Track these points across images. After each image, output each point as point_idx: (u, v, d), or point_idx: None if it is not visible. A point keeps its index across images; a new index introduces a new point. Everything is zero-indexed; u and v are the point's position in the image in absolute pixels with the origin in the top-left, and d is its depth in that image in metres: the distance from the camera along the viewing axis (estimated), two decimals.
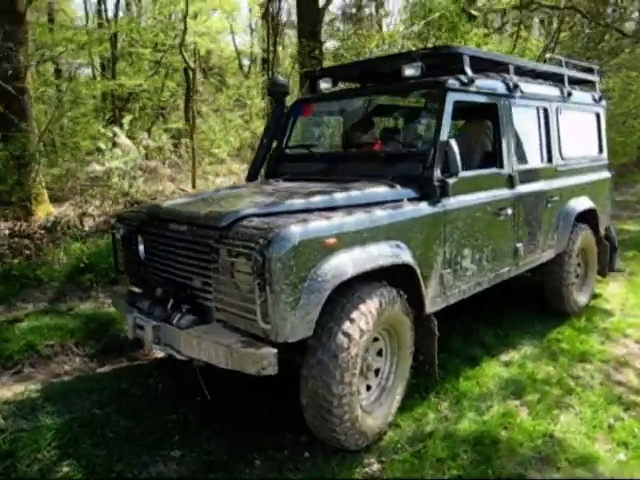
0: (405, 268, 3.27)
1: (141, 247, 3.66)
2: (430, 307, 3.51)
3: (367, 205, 3.25)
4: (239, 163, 11.24)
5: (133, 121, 9.87)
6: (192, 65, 8.65)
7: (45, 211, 7.31)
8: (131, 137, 8.49)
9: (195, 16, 9.64)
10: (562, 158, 4.75)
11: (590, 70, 5.57)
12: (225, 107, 11.59)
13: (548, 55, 5.42)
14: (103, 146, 7.85)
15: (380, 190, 3.43)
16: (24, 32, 7.12)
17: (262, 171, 4.56)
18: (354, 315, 2.92)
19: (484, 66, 4.26)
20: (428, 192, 3.50)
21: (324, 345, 2.86)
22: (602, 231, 5.43)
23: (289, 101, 4.58)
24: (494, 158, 4.14)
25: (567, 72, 4.94)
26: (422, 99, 3.99)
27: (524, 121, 4.36)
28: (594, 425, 3.41)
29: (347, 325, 2.89)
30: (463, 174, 3.62)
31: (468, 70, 3.76)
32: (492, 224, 3.95)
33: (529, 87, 4.42)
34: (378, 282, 3.14)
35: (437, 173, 3.50)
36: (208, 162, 10.58)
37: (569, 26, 12.10)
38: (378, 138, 4.26)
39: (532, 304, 5.23)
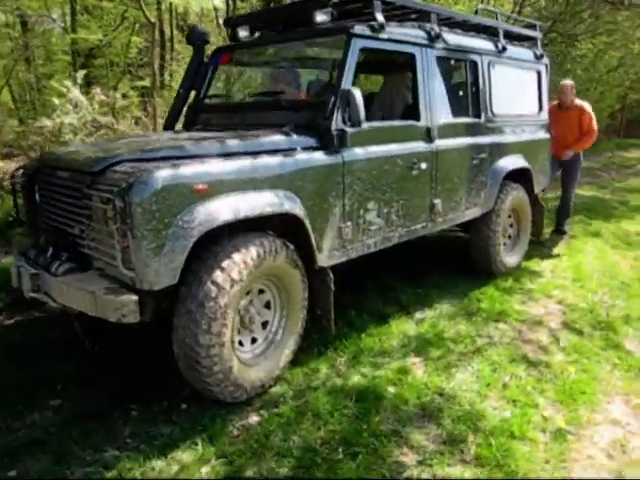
0: (292, 218, 3.19)
1: (37, 195, 3.58)
2: (326, 260, 3.44)
3: (255, 153, 3.14)
4: None
5: (98, 77, 9.70)
6: (152, 20, 8.47)
7: None
8: (86, 93, 8.33)
9: None
10: (492, 114, 4.61)
11: (532, 26, 5.39)
12: None
13: (480, 6, 5.21)
14: (56, 101, 7.70)
15: (272, 138, 3.31)
16: None
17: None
18: (225, 264, 2.84)
19: (412, 15, 4.13)
20: (326, 142, 3.39)
21: (193, 294, 2.80)
22: (538, 192, 5.33)
23: None
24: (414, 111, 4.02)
25: (501, 25, 4.76)
26: (330, 47, 3.85)
27: (448, 73, 4.24)
28: (488, 383, 3.36)
29: (217, 274, 2.82)
30: (368, 125, 3.52)
31: (379, 16, 3.60)
32: (403, 178, 3.85)
33: (455, 38, 4.26)
34: (260, 232, 3.07)
35: (336, 123, 3.38)
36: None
37: None
38: (294, 87, 4.13)
39: (460, 264, 5.17)
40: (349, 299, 4.28)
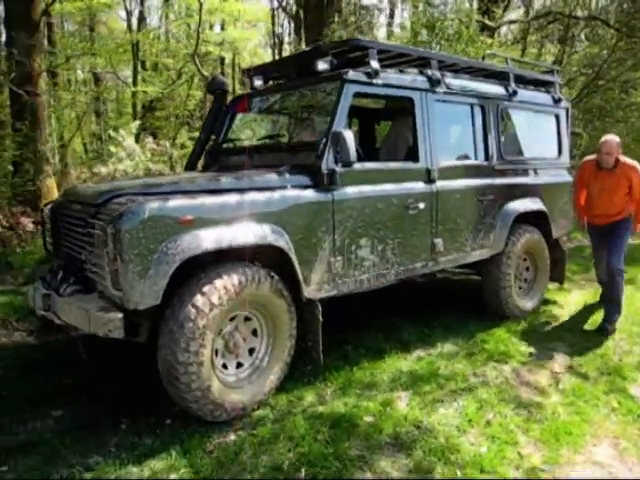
0: (277, 251, 3.49)
1: (59, 226, 4.09)
2: (314, 293, 3.70)
3: (245, 190, 3.50)
4: None
5: (158, 128, 10.57)
6: (205, 74, 9.22)
7: None
8: (147, 142, 9.13)
9: (222, 27, 10.27)
10: (501, 157, 4.79)
11: (550, 71, 5.55)
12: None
13: (488, 51, 5.44)
14: (113, 149, 8.53)
15: (264, 177, 3.66)
16: (38, 39, 7.91)
17: None
18: (206, 289, 3.17)
19: (414, 62, 4.45)
20: (318, 181, 3.71)
21: (175, 315, 3.14)
22: (558, 236, 5.37)
23: None
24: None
25: (512, 70, 4.98)
26: (327, 92, 4.20)
27: (452, 117, 4.48)
28: (470, 419, 3.45)
29: (197, 297, 3.14)
30: (360, 165, 3.83)
31: (374, 63, 3.95)
32: (399, 217, 4.08)
33: (459, 83, 4.53)
34: (241, 262, 3.38)
35: (327, 163, 3.70)
36: None
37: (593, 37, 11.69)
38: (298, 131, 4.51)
39: (473, 306, 5.26)
40: (349, 335, 4.48)
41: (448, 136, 4.42)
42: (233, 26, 11.74)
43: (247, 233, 3.33)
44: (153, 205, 3.08)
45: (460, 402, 3.66)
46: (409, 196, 4.13)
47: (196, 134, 11.85)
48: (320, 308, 3.71)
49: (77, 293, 3.47)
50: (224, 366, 3.43)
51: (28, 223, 6.83)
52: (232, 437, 3.28)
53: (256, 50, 12.81)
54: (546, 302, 5.64)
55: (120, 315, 3.04)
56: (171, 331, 3.13)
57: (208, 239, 3.18)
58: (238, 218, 3.34)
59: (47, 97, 8.30)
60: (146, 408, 3.51)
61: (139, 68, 11.34)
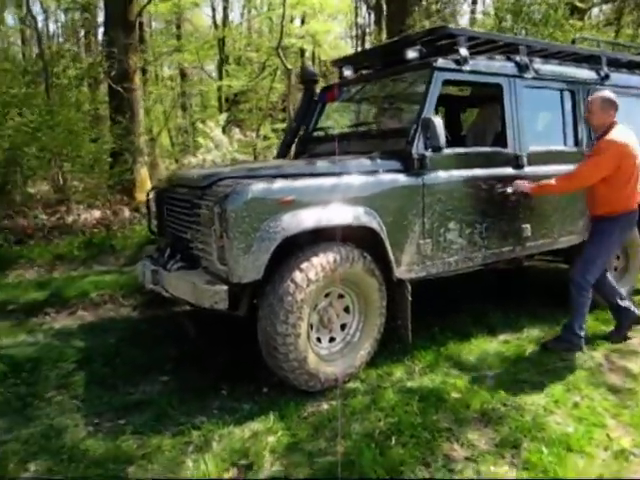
0: (370, 232, 3.70)
1: (164, 209, 4.47)
2: (404, 273, 3.88)
3: (340, 174, 3.74)
4: None
5: (242, 120, 11.01)
6: (289, 66, 9.54)
7: (145, 197, 8.55)
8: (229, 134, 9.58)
9: (302, 20, 10.59)
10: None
11: None
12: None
13: (577, 35, 5.39)
14: (201, 140, 9.01)
15: (359, 162, 3.88)
16: (133, 39, 8.47)
17: None
18: (304, 265, 3.43)
19: (501, 49, 4.54)
20: (408, 166, 3.89)
21: (274, 290, 3.41)
22: None
23: None
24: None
25: (604, 53, 4.94)
26: (416, 80, 4.36)
27: (541, 102, 4.53)
28: (557, 400, 3.54)
29: (296, 274, 3.41)
30: (450, 150, 3.97)
31: (462, 50, 4.08)
32: (488, 201, 4.20)
33: (548, 68, 4.57)
34: (336, 241, 3.61)
35: (417, 148, 3.88)
36: None
37: None
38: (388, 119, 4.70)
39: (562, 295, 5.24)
40: (436, 317, 4.64)
41: (537, 122, 4.48)
42: (314, 18, 12.02)
43: (343, 214, 3.56)
44: (256, 187, 3.37)
45: (547, 384, 3.74)
46: (498, 180, 4.23)
47: (279, 125, 12.29)
48: (410, 288, 3.90)
49: (183, 269, 3.81)
50: (318, 340, 3.68)
51: (126, 210, 7.37)
52: (325, 406, 3.52)
53: (336, 42, 13.06)
54: (638, 291, 5.58)
55: (225, 287, 3.34)
56: (271, 304, 3.41)
57: (308, 219, 3.44)
58: (334, 200, 3.57)
59: (141, 92, 8.85)
60: (245, 378, 3.81)
61: (223, 62, 11.90)
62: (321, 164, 3.82)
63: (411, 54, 4.19)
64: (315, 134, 5.06)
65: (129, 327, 4.59)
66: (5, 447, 3.03)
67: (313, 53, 12.60)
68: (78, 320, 4.84)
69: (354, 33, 14.16)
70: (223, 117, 9.05)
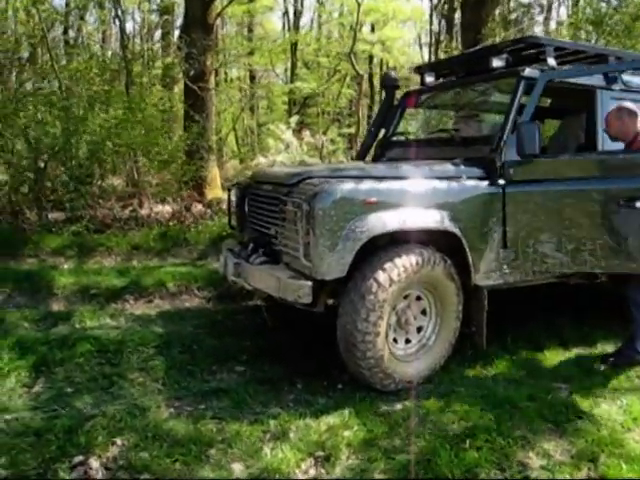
0: (453, 237, 3.76)
1: (246, 206, 4.63)
2: (482, 280, 3.92)
3: (422, 178, 3.81)
4: None
5: (310, 124, 11.21)
6: (360, 72, 9.66)
7: (215, 195, 8.83)
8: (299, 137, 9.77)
9: (372, 26, 10.73)
10: None
11: None
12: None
13: None
14: (271, 142, 9.22)
15: (441, 167, 3.95)
16: (211, 40, 8.75)
17: None
18: (387, 265, 3.51)
19: (589, 59, 4.52)
20: (491, 173, 3.93)
21: (357, 287, 3.51)
22: None
23: None
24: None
25: None
26: (502, 88, 4.39)
27: None
28: (635, 417, 3.49)
29: (379, 273, 3.49)
30: (535, 160, 3.97)
31: (550, 61, 4.10)
32: (577, 214, 4.03)
33: (637, 80, 4.52)
34: (418, 245, 3.69)
35: (501, 155, 3.91)
36: None
37: None
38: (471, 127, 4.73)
39: None
40: (510, 327, 4.64)
41: None
42: (384, 25, 12.15)
43: (426, 218, 3.64)
44: (344, 187, 3.48)
45: (624, 400, 3.69)
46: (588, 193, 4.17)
47: (345, 130, 12.47)
48: (486, 295, 3.93)
49: (266, 263, 3.95)
50: (395, 340, 3.75)
51: (199, 206, 7.64)
52: (399, 406, 3.58)
53: (404, 49, 13.16)
54: None
55: (310, 283, 3.46)
56: (352, 301, 3.50)
57: (392, 220, 3.52)
58: (417, 203, 3.65)
59: (214, 93, 9.16)
60: (319, 373, 3.92)
61: (295, 66, 12.18)
62: (405, 167, 3.91)
63: (497, 62, 4.24)
64: (394, 138, 5.15)
65: (205, 317, 4.78)
66: (94, 421, 3.21)
67: (381, 59, 12.71)
68: (155, 308, 5.07)
69: (424, 40, 14.35)
70: (294, 120, 9.26)
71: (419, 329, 3.85)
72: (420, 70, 5.10)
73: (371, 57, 12.23)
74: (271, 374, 3.92)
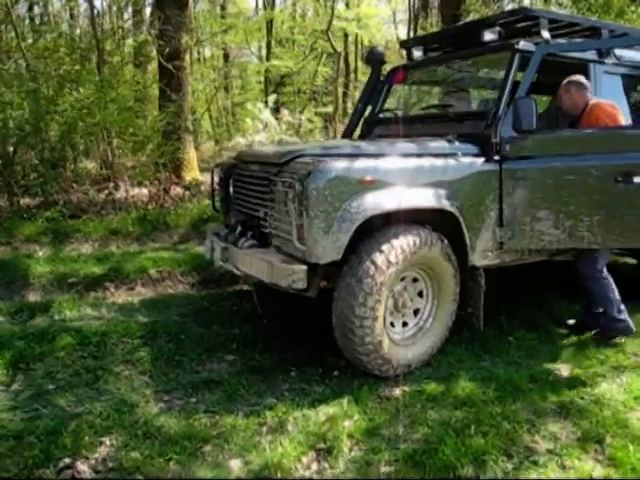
0: (449, 216, 3.58)
1: (230, 187, 4.38)
2: (479, 260, 3.75)
3: (417, 155, 3.61)
4: None
5: (286, 103, 10.91)
6: (338, 49, 9.38)
7: (192, 177, 8.51)
8: (276, 116, 9.48)
9: (347, 4, 10.43)
10: None
11: None
12: None
13: None
14: (249, 121, 8.93)
15: (435, 144, 3.75)
16: (186, 17, 8.36)
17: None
18: (384, 247, 3.31)
19: (582, 32, 4.34)
20: (486, 149, 3.74)
21: (353, 270, 3.31)
22: None
23: None
24: None
25: None
26: (496, 62, 4.20)
27: (620, 90, 4.32)
28: (636, 396, 3.38)
29: (376, 255, 3.29)
30: (539, 134, 3.79)
31: (545, 33, 3.91)
32: (575, 190, 3.86)
33: (629, 54, 4.35)
34: (415, 224, 3.50)
35: (497, 131, 3.73)
36: None
37: None
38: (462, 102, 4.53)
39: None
40: (503, 307, 4.50)
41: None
42: (358, 2, 11.87)
43: (423, 196, 3.45)
44: (339, 165, 3.26)
45: (624, 379, 3.58)
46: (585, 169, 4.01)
47: (321, 109, 12.18)
48: (483, 276, 3.77)
49: (254, 247, 3.73)
50: (391, 324, 3.57)
51: (177, 188, 7.33)
52: (398, 392, 3.41)
53: (380, 26, 12.88)
54: None
55: (304, 267, 3.25)
56: (348, 285, 3.30)
57: (389, 200, 3.33)
58: (414, 182, 3.45)
59: (190, 72, 8.79)
60: (313, 360, 3.73)
61: (271, 44, 11.81)
62: (400, 145, 3.69)
63: (489, 36, 4.04)
64: (381, 115, 4.93)
65: (191, 304, 4.53)
66: (79, 420, 2.98)
67: (356, 37, 12.40)
68: (138, 296, 4.79)
69: (400, 18, 14.09)
70: (272, 99, 8.97)
71: (416, 312, 3.68)
72: (407, 45, 4.87)
73: (346, 35, 11.92)
74: (263, 362, 3.72)
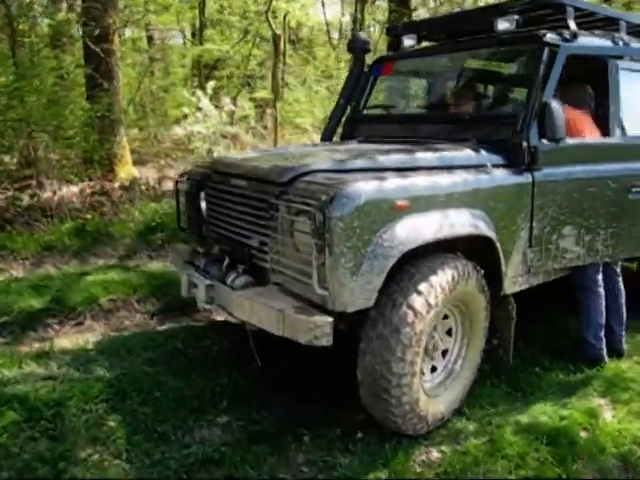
0: (484, 241, 2.88)
1: (203, 203, 3.46)
2: (509, 287, 3.11)
3: (446, 168, 2.87)
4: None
5: (220, 88, 9.83)
6: (278, 32, 8.45)
7: (127, 172, 7.35)
8: (215, 104, 8.44)
9: None
10: None
11: None
12: (312, 78, 11.46)
13: None
14: (187, 110, 7.84)
15: (462, 153, 3.03)
16: None
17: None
18: (422, 287, 2.58)
19: (591, 23, 3.73)
20: (515, 159, 3.06)
21: (386, 318, 2.55)
22: None
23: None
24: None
25: None
26: (516, 56, 3.51)
27: (634, 87, 3.77)
28: None
29: (414, 297, 2.55)
30: (571, 141, 3.18)
31: (572, 24, 3.25)
32: (610, 202, 3.42)
33: None
34: (452, 253, 2.78)
35: (529, 138, 3.05)
36: (291, 132, 10.44)
37: None
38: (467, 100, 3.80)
39: None
40: (517, 332, 3.88)
41: (630, 109, 3.71)
42: None
43: (461, 221, 2.73)
44: (368, 187, 2.47)
45: None
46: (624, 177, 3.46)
47: (256, 95, 11.17)
48: (514, 304, 3.13)
49: (250, 285, 2.87)
50: (421, 372, 2.86)
51: (115, 186, 6.20)
52: (436, 454, 2.73)
53: (307, 9, 11.92)
54: None
55: (330, 319, 2.44)
56: (381, 336, 2.55)
57: (427, 229, 2.59)
58: (449, 203, 2.72)
59: (120, 55, 7.53)
60: (325, 417, 2.95)
61: (203, 26, 10.52)
62: (422, 155, 2.92)
63: (502, 25, 3.33)
64: (366, 113, 4.13)
65: (159, 346, 3.52)
66: None
67: (284, 18, 11.38)
68: (88, 333, 3.76)
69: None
70: (211, 85, 7.93)
71: (444, 353, 2.98)
72: (396, 31, 4.06)
73: (275, 17, 10.90)
74: (265, 425, 2.88)
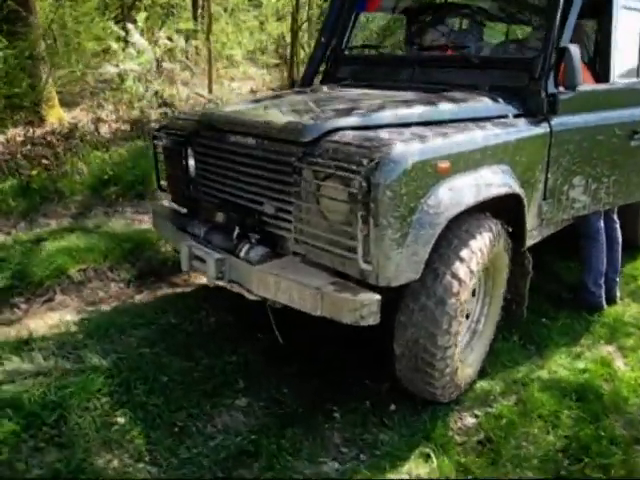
0: (512, 198, 2.67)
1: (191, 162, 3.00)
2: (527, 241, 2.95)
3: (472, 120, 2.59)
4: (255, 67, 10.35)
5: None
6: None
7: (57, 116, 6.47)
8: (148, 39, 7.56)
9: None
10: None
11: None
12: (239, 7, 10.56)
13: None
14: (115, 45, 6.96)
15: (482, 104, 2.75)
16: None
17: None
18: (464, 254, 2.35)
19: None
20: (532, 108, 2.83)
21: (429, 289, 2.31)
22: None
23: None
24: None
25: None
26: None
27: (633, 28, 3.57)
28: None
29: (457, 266, 2.32)
30: (588, 87, 2.98)
31: None
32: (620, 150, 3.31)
33: None
34: (483, 214, 2.55)
35: (547, 86, 2.81)
36: (222, 66, 9.64)
37: None
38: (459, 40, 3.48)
39: None
40: None
41: (627, 52, 3.53)
42: None
43: (496, 181, 2.49)
44: (414, 148, 2.16)
45: None
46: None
47: (182, 25, 10.16)
48: (530, 258, 2.98)
49: (268, 257, 2.51)
50: None
51: (54, 135, 5.41)
52: (469, 419, 2.61)
53: None
54: None
55: (378, 297, 2.17)
56: (424, 308, 2.32)
57: (468, 191, 2.33)
58: (483, 161, 2.46)
59: None
60: (351, 389, 2.72)
61: None
62: (445, 106, 2.62)
63: None
64: (349, 53, 3.71)
65: (151, 323, 3.08)
66: None
67: None
68: (63, 310, 3.26)
69: None
70: (142, 17, 7.05)
71: (467, 315, 2.81)
72: None
73: None
74: (290, 404, 2.62)
